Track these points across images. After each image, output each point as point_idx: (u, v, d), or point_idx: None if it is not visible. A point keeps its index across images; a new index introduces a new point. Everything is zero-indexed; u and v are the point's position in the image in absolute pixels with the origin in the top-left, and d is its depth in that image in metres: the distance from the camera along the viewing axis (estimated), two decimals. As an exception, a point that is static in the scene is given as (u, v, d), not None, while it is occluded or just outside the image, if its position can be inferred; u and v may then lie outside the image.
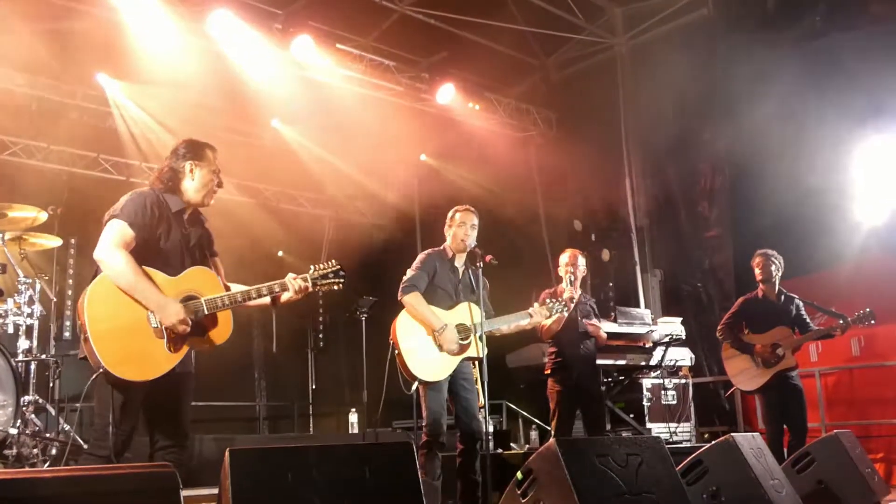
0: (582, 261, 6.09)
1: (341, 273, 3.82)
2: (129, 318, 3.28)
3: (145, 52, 7.90)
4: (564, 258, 6.10)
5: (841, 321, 6.00)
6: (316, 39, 8.39)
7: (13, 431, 5.07)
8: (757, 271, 6.28)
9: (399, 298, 4.82)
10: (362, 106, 9.42)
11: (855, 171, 8.08)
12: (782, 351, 6.05)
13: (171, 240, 3.48)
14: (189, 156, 3.57)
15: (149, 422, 3.48)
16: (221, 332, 3.51)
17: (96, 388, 3.35)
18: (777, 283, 6.25)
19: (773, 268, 6.21)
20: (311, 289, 3.71)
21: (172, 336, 3.34)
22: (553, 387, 6.00)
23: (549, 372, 6.08)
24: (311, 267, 3.77)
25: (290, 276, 3.69)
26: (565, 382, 5.96)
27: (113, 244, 3.30)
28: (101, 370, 3.20)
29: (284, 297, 3.68)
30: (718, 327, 6.40)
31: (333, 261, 3.83)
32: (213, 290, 3.49)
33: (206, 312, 3.42)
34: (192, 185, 3.57)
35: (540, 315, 5.14)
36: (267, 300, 3.67)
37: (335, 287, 3.80)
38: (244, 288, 3.60)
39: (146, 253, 3.39)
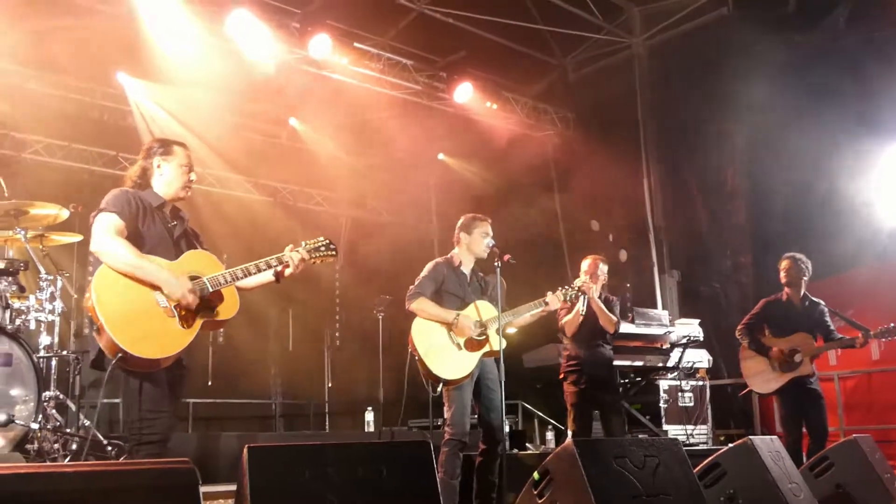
0: (604, 268, 6.06)
1: (332, 246, 4.00)
2: (139, 302, 3.37)
3: (164, 52, 7.96)
4: (584, 265, 6.07)
5: (861, 334, 5.90)
6: (333, 38, 8.41)
7: (35, 426, 5.12)
8: (782, 274, 6.20)
9: (406, 308, 4.88)
10: (380, 105, 9.44)
11: (875, 174, 8.01)
12: (800, 357, 5.98)
13: (157, 231, 3.61)
14: (158, 153, 3.73)
15: None
16: (229, 308, 3.63)
17: (122, 388, 3.42)
18: (803, 287, 6.17)
19: (799, 272, 6.13)
20: (307, 260, 3.89)
21: (183, 313, 3.44)
22: (569, 389, 5.99)
23: (563, 376, 6.07)
24: (303, 242, 3.94)
25: (289, 248, 3.86)
26: (580, 385, 5.94)
27: (107, 233, 3.42)
28: (119, 355, 3.26)
29: (287, 272, 3.85)
30: (738, 327, 6.34)
31: (322, 237, 4.01)
32: (213, 269, 3.62)
33: (210, 290, 3.54)
34: (161, 179, 3.72)
35: (555, 302, 5.14)
36: (269, 276, 3.85)
37: (329, 259, 3.99)
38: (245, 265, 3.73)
39: (139, 244, 3.50)
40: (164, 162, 3.72)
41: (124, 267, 3.38)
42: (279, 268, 3.83)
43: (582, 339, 6.00)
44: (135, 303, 3.36)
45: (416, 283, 4.92)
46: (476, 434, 4.96)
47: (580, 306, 5.82)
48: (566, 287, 5.33)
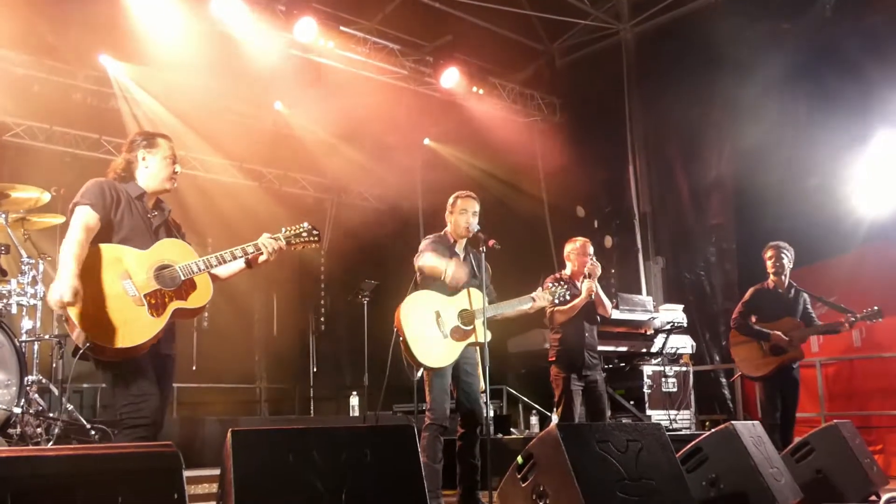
0: (591, 249, 6.07)
1: (315, 232, 3.98)
2: (106, 292, 3.36)
3: (149, 34, 7.88)
4: (575, 247, 6.06)
5: (849, 316, 5.98)
6: (319, 22, 8.35)
7: (17, 411, 5.10)
8: (768, 263, 6.29)
9: (415, 265, 4.91)
10: (366, 89, 9.39)
11: (859, 162, 8.05)
12: (795, 342, 6.08)
13: (133, 221, 3.59)
14: (142, 145, 3.72)
15: None
16: (201, 296, 3.60)
17: (102, 376, 3.42)
18: (787, 275, 6.26)
19: (784, 260, 6.22)
20: (284, 248, 3.87)
21: (153, 301, 3.43)
22: (558, 374, 5.97)
23: (553, 359, 6.07)
24: (283, 228, 3.93)
25: (265, 235, 3.85)
26: (570, 370, 5.94)
27: (78, 230, 3.40)
28: (87, 345, 3.25)
29: (261, 258, 3.83)
30: (733, 317, 6.40)
31: (306, 222, 3.98)
32: (186, 258, 3.61)
33: (182, 278, 3.53)
34: (146, 172, 3.70)
35: (543, 300, 5.16)
36: (241, 264, 3.83)
37: (311, 245, 3.98)
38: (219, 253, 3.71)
39: (110, 233, 3.50)
40: (149, 154, 3.70)
41: (62, 262, 3.31)
42: (252, 253, 3.80)
43: (576, 324, 5.98)
44: (102, 293, 3.35)
45: (420, 249, 4.95)
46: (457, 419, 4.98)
47: (598, 290, 5.84)
48: (554, 284, 5.33)
